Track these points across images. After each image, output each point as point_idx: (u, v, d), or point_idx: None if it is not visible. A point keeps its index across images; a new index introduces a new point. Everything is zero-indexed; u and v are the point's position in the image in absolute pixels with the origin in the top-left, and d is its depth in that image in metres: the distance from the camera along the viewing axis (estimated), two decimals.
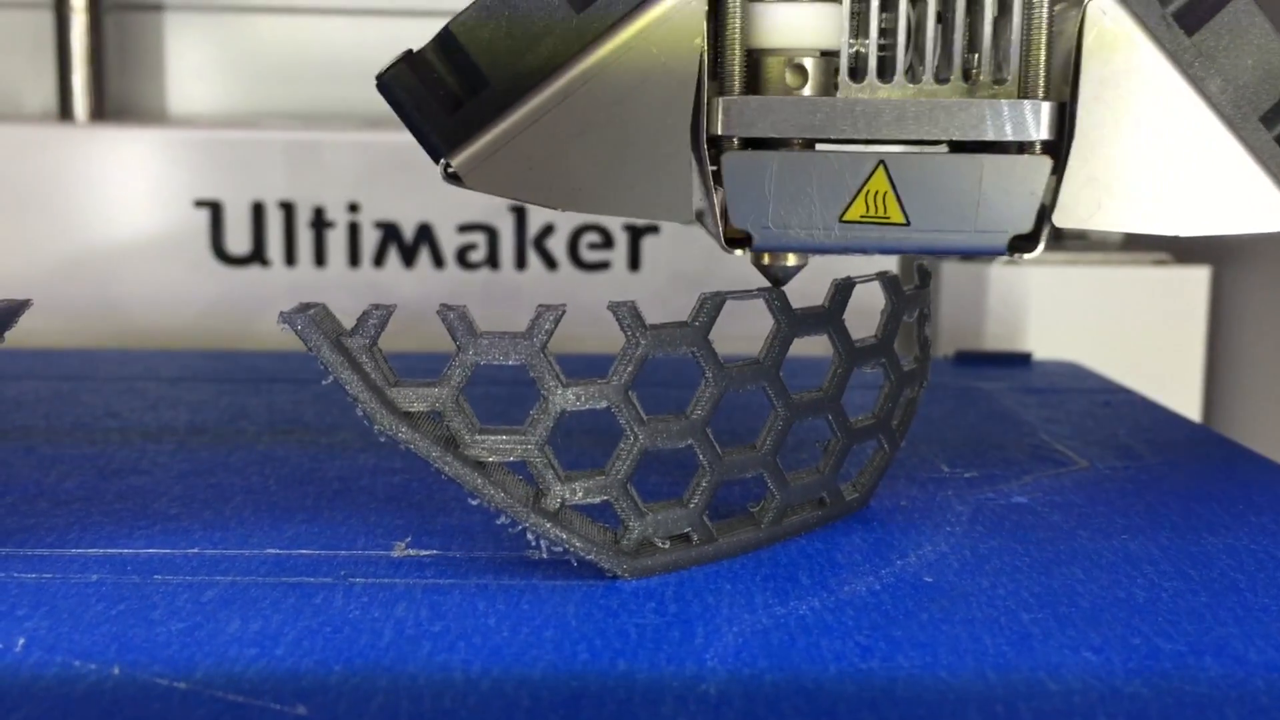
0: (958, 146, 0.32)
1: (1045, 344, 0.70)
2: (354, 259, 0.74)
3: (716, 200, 0.32)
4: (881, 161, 0.31)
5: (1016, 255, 0.33)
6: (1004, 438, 0.47)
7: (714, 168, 0.32)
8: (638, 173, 0.31)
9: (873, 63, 0.31)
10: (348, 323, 0.29)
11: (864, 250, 0.32)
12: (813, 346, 0.35)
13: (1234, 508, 0.38)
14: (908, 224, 0.32)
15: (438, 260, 0.74)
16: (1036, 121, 0.31)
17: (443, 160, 0.31)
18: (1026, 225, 0.32)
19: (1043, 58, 0.31)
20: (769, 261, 0.34)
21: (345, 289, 0.73)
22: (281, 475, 0.40)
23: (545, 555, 0.32)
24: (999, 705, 0.24)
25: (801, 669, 0.26)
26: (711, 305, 0.31)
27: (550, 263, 0.75)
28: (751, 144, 0.31)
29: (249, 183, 0.73)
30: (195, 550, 0.32)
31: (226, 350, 0.69)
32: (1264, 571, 0.32)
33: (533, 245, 0.74)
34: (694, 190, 0.31)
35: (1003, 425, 0.49)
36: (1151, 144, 0.32)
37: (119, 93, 0.80)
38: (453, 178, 0.31)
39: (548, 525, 0.30)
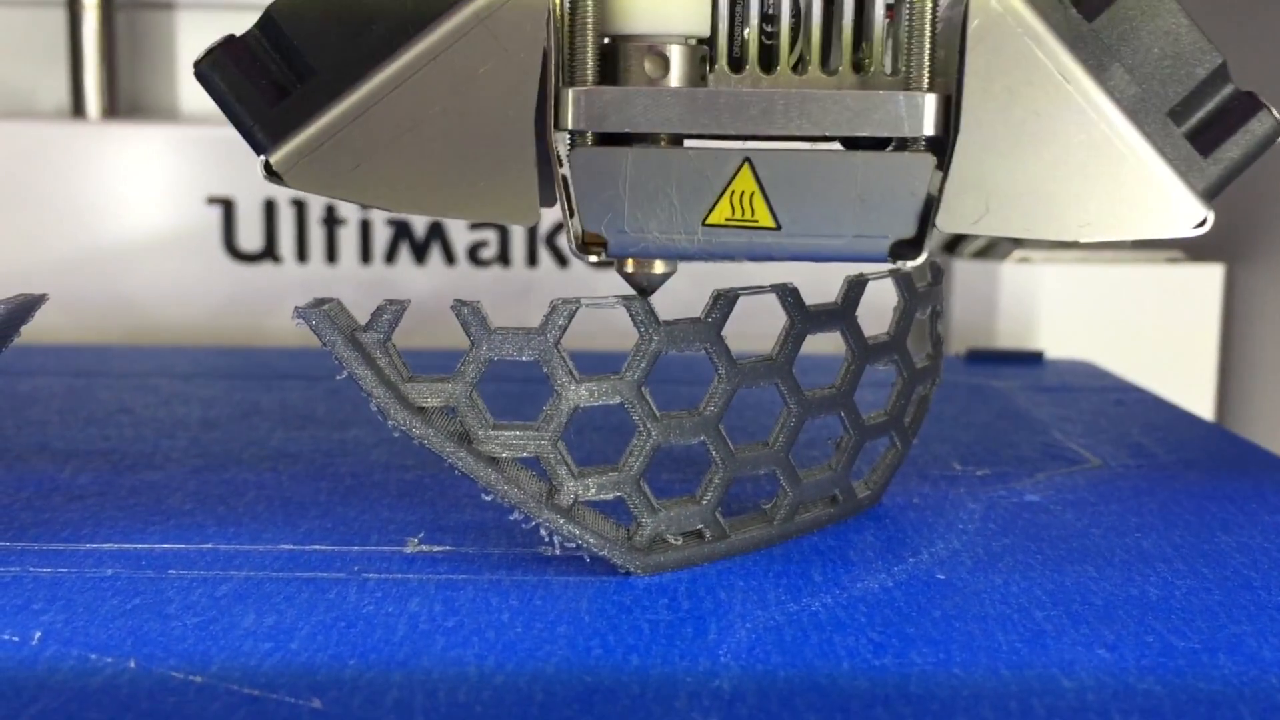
0: (853, 144, 0.29)
1: (1057, 342, 0.70)
2: (366, 256, 0.74)
3: (567, 201, 0.29)
4: (747, 159, 0.29)
5: (900, 263, 0.30)
6: (1016, 436, 0.47)
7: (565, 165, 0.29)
8: (478, 171, 0.28)
9: (753, 51, 0.29)
10: (360, 319, 0.29)
11: (730, 257, 0.30)
12: (825, 344, 0.35)
13: (1247, 506, 0.38)
14: (779, 228, 0.29)
15: (449, 257, 0.74)
16: (919, 116, 0.28)
17: (262, 156, 0.28)
18: (909, 229, 0.29)
19: (926, 46, 0.28)
20: (633, 269, 0.31)
21: (357, 286, 0.74)
22: (294, 471, 0.40)
23: (558, 551, 0.32)
24: (1012, 702, 0.24)
25: (814, 665, 0.26)
26: (725, 302, 0.31)
27: (561, 259, 0.75)
28: (610, 140, 0.29)
29: (261, 180, 0.73)
30: (209, 545, 0.33)
31: (239, 347, 0.69)
32: (1277, 569, 0.32)
33: (544, 242, 0.74)
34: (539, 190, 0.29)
35: (1015, 423, 0.49)
36: (1045, 141, 0.29)
37: (131, 90, 0.80)
38: (274, 175, 0.28)
39: (561, 521, 0.30)
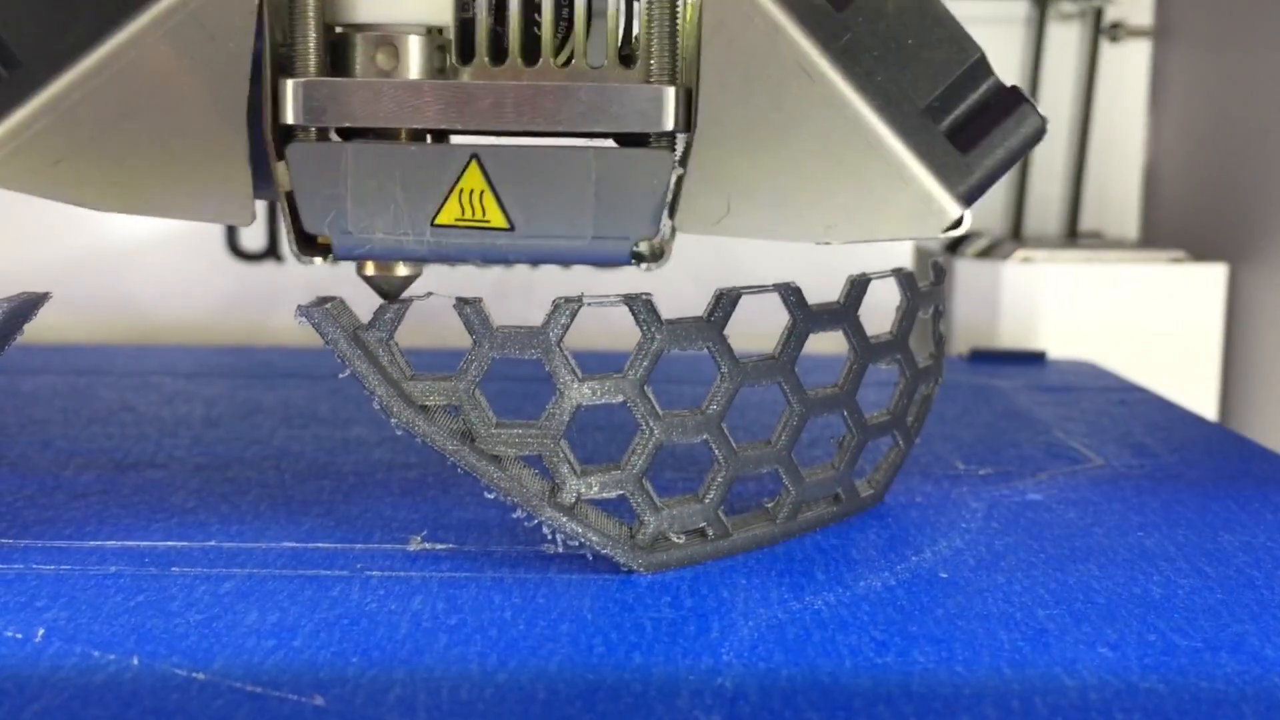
0: (627, 140, 0.28)
1: (1060, 342, 0.70)
2: None
3: (286, 200, 0.28)
4: (474, 155, 0.27)
5: (644, 266, 0.29)
6: (1018, 435, 0.47)
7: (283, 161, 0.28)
8: (187, 167, 0.27)
9: (514, 43, 0.27)
10: (362, 318, 0.29)
11: (464, 259, 0.28)
12: (828, 343, 0.35)
13: (1250, 505, 0.38)
14: (512, 229, 0.28)
15: None
16: (656, 110, 0.27)
17: None
18: (649, 230, 0.28)
19: (667, 35, 0.27)
20: (373, 271, 0.30)
21: (359, 286, 0.74)
22: (297, 469, 0.40)
23: (561, 549, 0.32)
24: (1015, 700, 0.24)
25: (817, 663, 0.26)
26: (727, 301, 0.30)
27: None
28: (338, 135, 0.27)
29: None
30: (212, 543, 0.33)
31: (241, 345, 0.69)
32: None
33: None
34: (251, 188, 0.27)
35: (1017, 423, 0.49)
36: (787, 137, 0.27)
37: None
38: None
39: (563, 519, 0.30)
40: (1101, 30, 0.84)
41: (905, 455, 0.37)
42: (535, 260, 0.29)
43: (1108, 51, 0.85)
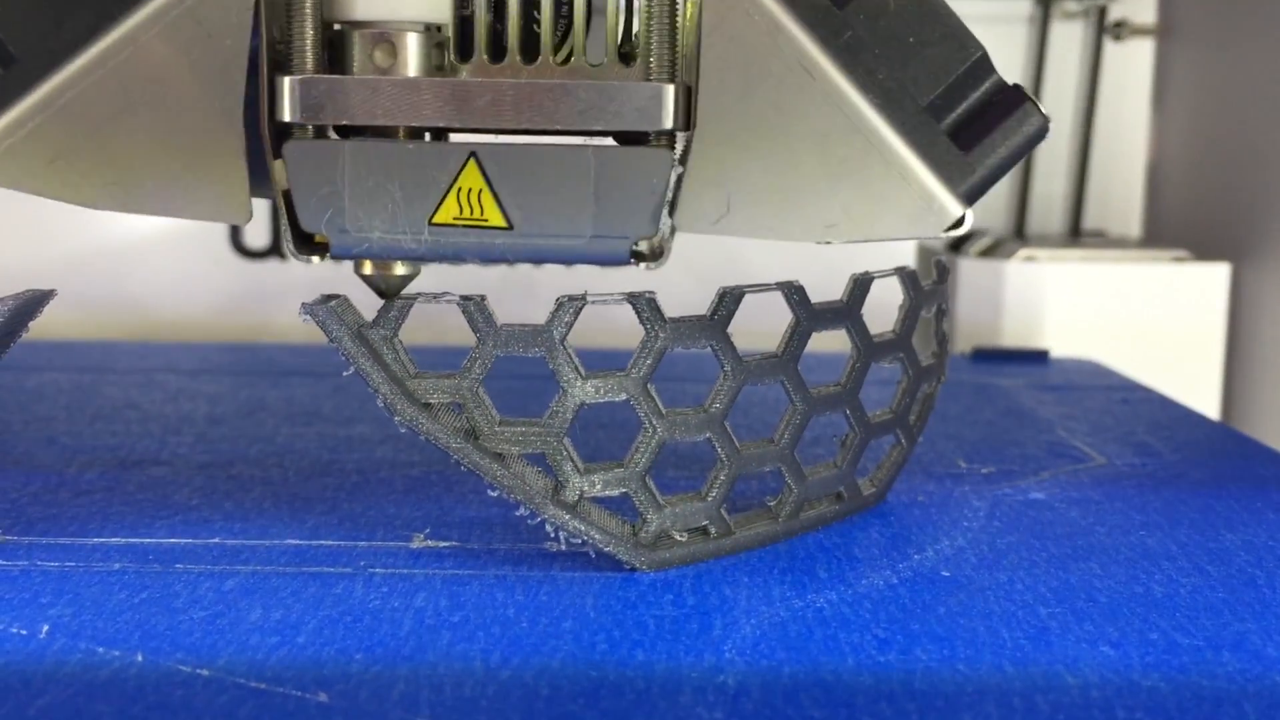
0: (627, 139, 0.27)
1: (1063, 341, 0.70)
2: None
3: (283, 197, 0.27)
4: (473, 154, 0.27)
5: (643, 265, 0.29)
6: (1021, 434, 0.47)
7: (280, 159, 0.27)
8: (183, 165, 0.27)
9: (513, 40, 0.27)
10: (366, 317, 0.29)
11: (462, 258, 0.28)
12: (831, 341, 0.35)
13: (1252, 505, 0.38)
14: (511, 228, 0.28)
15: None
16: (656, 108, 0.27)
17: None
18: (649, 229, 0.28)
19: (666, 33, 0.26)
20: (371, 270, 0.30)
21: (361, 283, 0.74)
22: (301, 467, 0.40)
23: (564, 547, 0.32)
24: (1016, 698, 0.24)
25: (819, 661, 0.26)
26: (730, 299, 0.31)
27: None
28: (336, 133, 0.27)
29: None
30: (216, 540, 0.33)
31: (245, 343, 0.69)
32: None
33: None
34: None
35: (1020, 422, 0.49)
36: (787, 136, 0.27)
37: None
38: None
39: (566, 517, 0.30)
40: (1105, 29, 0.84)
41: (908, 454, 0.37)
42: (534, 260, 0.29)
43: (1111, 50, 0.85)
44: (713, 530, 0.32)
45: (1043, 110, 0.28)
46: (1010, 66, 0.84)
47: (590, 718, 0.23)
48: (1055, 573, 0.31)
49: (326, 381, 0.55)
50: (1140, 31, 0.85)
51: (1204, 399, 0.72)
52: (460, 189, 0.27)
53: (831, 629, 0.27)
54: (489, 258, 0.28)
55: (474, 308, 0.29)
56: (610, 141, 0.29)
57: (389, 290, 0.30)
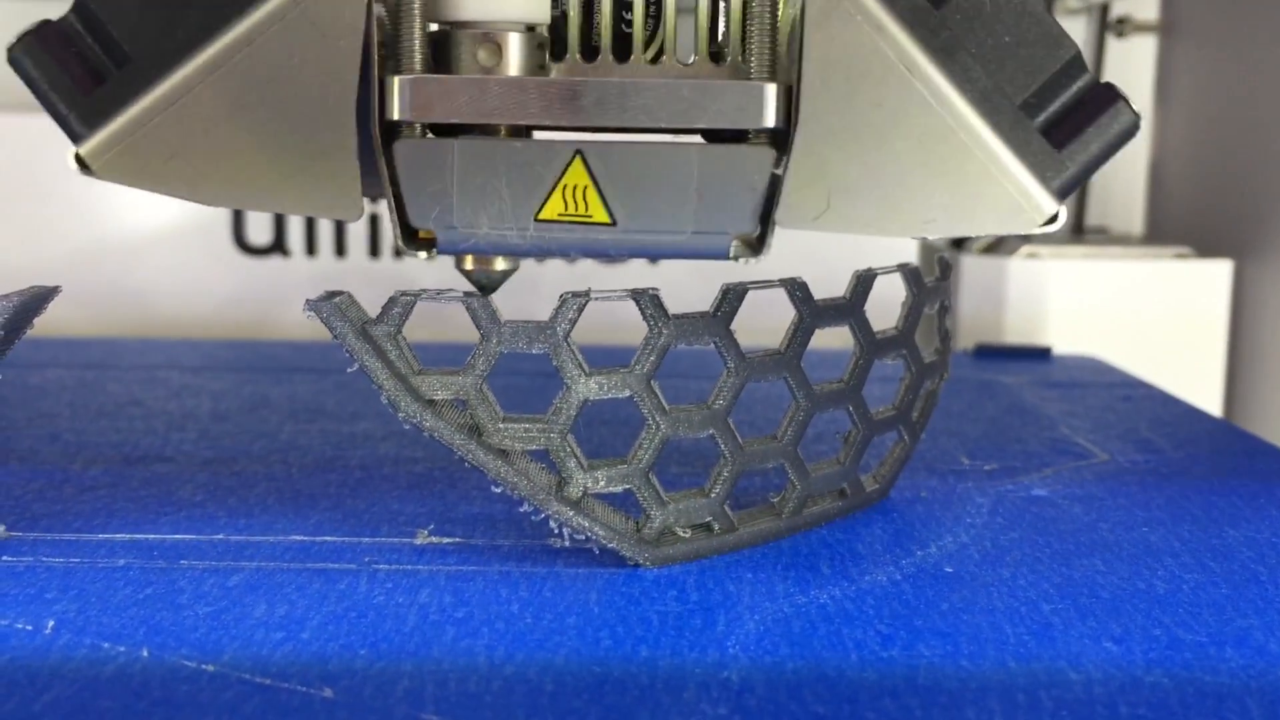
0: (715, 136, 0.28)
1: (1065, 338, 0.70)
2: (374, 249, 0.74)
3: (393, 194, 0.28)
4: (578, 151, 0.28)
5: (742, 260, 0.29)
6: (1024, 431, 0.47)
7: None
8: (297, 162, 0.27)
9: (605, 39, 0.27)
10: (370, 312, 0.29)
11: (565, 253, 0.29)
12: (834, 338, 0.35)
13: (1255, 501, 0.38)
14: (614, 224, 0.28)
15: None
16: (757, 107, 0.27)
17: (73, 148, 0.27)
18: (749, 225, 0.28)
19: (767, 32, 0.27)
20: (472, 266, 0.30)
21: (365, 279, 0.74)
22: (304, 463, 0.40)
23: (567, 543, 0.32)
24: (1020, 694, 0.24)
25: (823, 657, 0.26)
26: (734, 295, 0.31)
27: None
28: (441, 131, 0.28)
29: None
30: (220, 536, 0.33)
31: (248, 339, 0.69)
32: None
33: None
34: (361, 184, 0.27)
35: (1022, 418, 0.49)
36: (888, 133, 0.27)
37: None
38: (85, 167, 0.27)
39: (570, 513, 0.30)
40: (1107, 25, 0.84)
41: (910, 450, 0.37)
42: (635, 255, 0.29)
43: (1114, 46, 0.85)
44: (716, 526, 0.32)
45: (1134, 108, 0.28)
46: None
47: (594, 713, 0.23)
48: (1058, 569, 0.31)
49: (330, 378, 0.55)
50: (1143, 28, 0.85)
51: (1206, 396, 0.72)
52: (565, 185, 0.28)
53: (835, 625, 0.28)
54: (592, 253, 0.29)
55: (477, 304, 0.29)
56: (699, 139, 0.29)
57: (489, 285, 0.31)
